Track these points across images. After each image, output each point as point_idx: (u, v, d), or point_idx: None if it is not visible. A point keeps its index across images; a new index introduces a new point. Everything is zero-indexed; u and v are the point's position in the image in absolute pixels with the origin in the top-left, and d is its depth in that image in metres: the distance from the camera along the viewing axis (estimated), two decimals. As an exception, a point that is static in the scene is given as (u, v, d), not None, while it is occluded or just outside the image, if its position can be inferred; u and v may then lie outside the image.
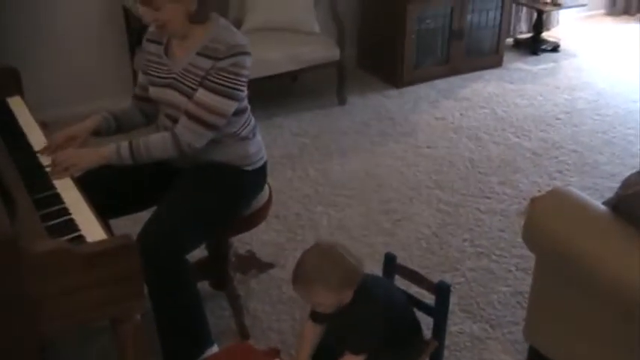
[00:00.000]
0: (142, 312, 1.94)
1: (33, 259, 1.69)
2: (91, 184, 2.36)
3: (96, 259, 1.78)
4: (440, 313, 2.35)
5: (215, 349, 2.56)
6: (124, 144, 2.33)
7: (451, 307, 2.77)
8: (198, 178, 2.44)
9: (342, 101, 4.71)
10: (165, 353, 2.50)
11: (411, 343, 2.30)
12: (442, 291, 2.31)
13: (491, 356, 2.64)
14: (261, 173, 2.58)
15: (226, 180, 2.46)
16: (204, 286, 2.94)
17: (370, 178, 3.83)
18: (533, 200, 3.41)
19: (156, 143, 2.33)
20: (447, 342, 2.61)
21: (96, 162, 2.33)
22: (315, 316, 2.25)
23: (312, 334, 2.26)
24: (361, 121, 4.49)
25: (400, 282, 2.48)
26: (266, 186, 2.70)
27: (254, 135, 2.54)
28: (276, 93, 4.79)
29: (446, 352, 2.60)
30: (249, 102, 2.53)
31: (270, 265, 3.16)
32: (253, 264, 3.13)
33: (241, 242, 3.25)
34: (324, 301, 2.09)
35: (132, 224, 2.53)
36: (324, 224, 3.45)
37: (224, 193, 2.45)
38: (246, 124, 2.49)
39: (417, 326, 2.33)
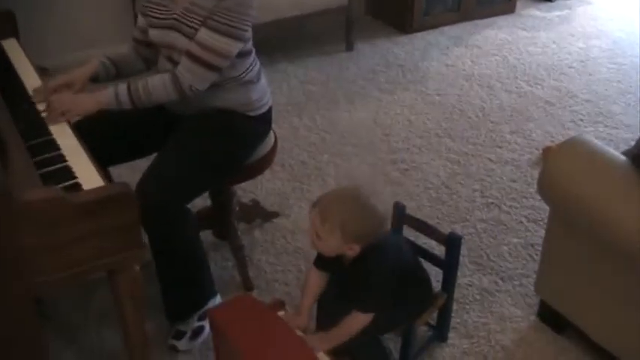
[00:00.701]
0: (140, 263, 1.87)
1: (24, 207, 1.61)
2: (88, 130, 2.28)
3: (91, 208, 1.69)
4: (450, 265, 2.28)
5: (218, 300, 2.50)
6: (122, 87, 2.23)
7: (460, 259, 2.71)
8: (200, 124, 2.35)
9: (349, 48, 4.59)
10: (167, 304, 2.44)
11: (420, 296, 2.23)
12: (453, 243, 2.23)
13: (501, 309, 2.57)
14: (265, 119, 2.49)
15: (229, 126, 2.36)
16: (207, 236, 2.88)
17: (378, 126, 3.73)
18: (546, 150, 3.34)
19: (156, 86, 2.23)
20: (456, 295, 2.55)
21: (93, 108, 2.24)
22: (319, 263, 2.18)
23: (316, 282, 2.19)
24: (369, 68, 4.37)
25: (409, 232, 2.40)
26: (271, 132, 2.61)
27: (258, 79, 2.44)
28: (282, 39, 4.66)
29: (455, 304, 2.54)
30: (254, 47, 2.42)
31: (275, 215, 3.08)
32: (258, 213, 3.05)
33: (245, 191, 3.18)
34: (329, 241, 1.99)
35: (131, 173, 2.45)
36: (331, 173, 3.36)
37: (226, 140, 2.35)
38: (250, 68, 2.38)
39: (425, 280, 2.26)
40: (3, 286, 1.69)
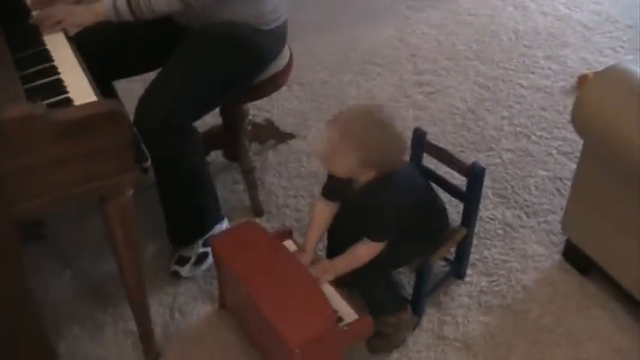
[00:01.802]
0: (133, 188, 1.73)
1: (3, 126, 1.45)
2: (88, 43, 2.12)
3: (75, 127, 1.52)
4: (471, 198, 2.12)
5: (225, 225, 2.38)
6: None
7: (484, 190, 2.55)
8: (208, 37, 2.16)
9: (377, -39, 4.31)
10: (170, 229, 2.33)
11: (434, 229, 2.09)
12: (475, 174, 2.06)
13: (524, 246, 2.42)
14: (278, 33, 2.29)
15: (239, 39, 2.17)
16: (217, 156, 2.74)
17: (404, 46, 3.52)
18: (582, 78, 3.11)
19: None
20: (477, 229, 2.42)
21: (89, 18, 2.08)
22: (326, 192, 2.03)
23: (323, 212, 2.06)
24: (397, -17, 4.11)
25: (429, 161, 2.24)
26: (286, 48, 2.42)
27: (272, -10, 2.23)
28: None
29: (475, 239, 2.40)
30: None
31: (291, 136, 2.92)
32: (272, 134, 2.90)
33: (260, 110, 3.02)
34: (343, 161, 1.84)
35: (141, 87, 2.28)
36: (351, 94, 3.18)
37: (236, 54, 2.17)
38: None
39: (441, 212, 2.11)
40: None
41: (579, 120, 2.01)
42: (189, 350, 2.12)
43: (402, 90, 3.20)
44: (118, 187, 1.67)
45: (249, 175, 2.59)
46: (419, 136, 2.20)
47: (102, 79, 2.17)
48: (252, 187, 2.60)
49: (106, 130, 1.56)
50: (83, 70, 1.85)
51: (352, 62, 3.40)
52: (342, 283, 2.04)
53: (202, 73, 2.13)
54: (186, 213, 2.29)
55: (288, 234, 2.15)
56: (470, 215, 2.15)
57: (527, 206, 2.57)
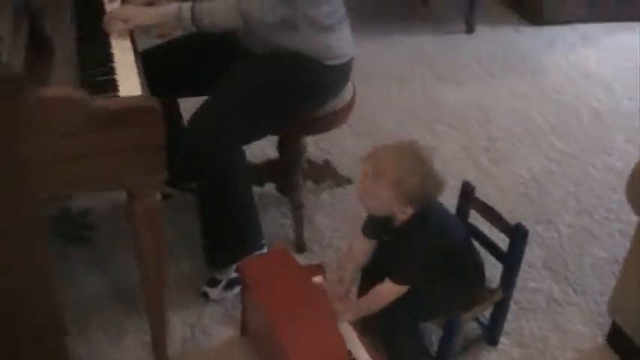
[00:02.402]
0: (159, 191, 1.73)
1: (36, 103, 1.48)
2: (153, 58, 2.17)
3: (109, 116, 1.55)
4: (512, 259, 2.04)
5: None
6: (187, 5, 2.09)
7: (535, 261, 2.48)
8: (268, 63, 2.19)
9: (469, 30, 4.31)
10: (206, 248, 2.34)
11: (468, 284, 2.01)
12: (518, 235, 1.99)
13: (567, 324, 2.29)
14: (342, 70, 2.30)
15: (300, 69, 2.19)
16: (271, 189, 2.74)
17: (480, 111, 3.47)
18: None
19: (219, 8, 2.08)
20: (520, 298, 2.33)
21: (152, 19, 2.13)
22: (366, 229, 1.99)
23: (361, 248, 2.03)
24: (487, 53, 4.08)
25: (475, 219, 2.17)
26: (349, 86, 2.43)
27: (341, 27, 2.25)
28: (401, 13, 4.43)
29: (515, 308, 2.30)
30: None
31: (348, 181, 2.90)
32: (329, 174, 2.89)
33: (320, 150, 3.01)
34: (380, 197, 1.82)
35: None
36: (416, 149, 3.14)
37: (294, 84, 2.19)
38: (332, 13, 2.19)
39: (477, 268, 2.03)
40: (8, 195, 1.58)
41: (633, 194, 1.91)
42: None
43: (468, 152, 3.14)
44: (146, 188, 1.68)
45: (297, 210, 2.58)
46: (467, 190, 2.14)
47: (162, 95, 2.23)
48: (298, 222, 2.58)
49: (140, 125, 1.59)
50: (139, 75, 1.88)
51: (423, 118, 3.37)
52: (367, 330, 1.99)
53: (258, 99, 2.15)
54: (225, 236, 2.28)
55: (319, 269, 2.11)
56: (509, 278, 2.07)
57: (578, 284, 2.45)
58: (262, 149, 2.76)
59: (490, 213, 2.08)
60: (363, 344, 1.88)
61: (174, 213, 2.57)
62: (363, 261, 2.04)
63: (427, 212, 1.86)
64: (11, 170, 1.53)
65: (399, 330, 1.98)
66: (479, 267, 2.03)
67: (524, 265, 2.46)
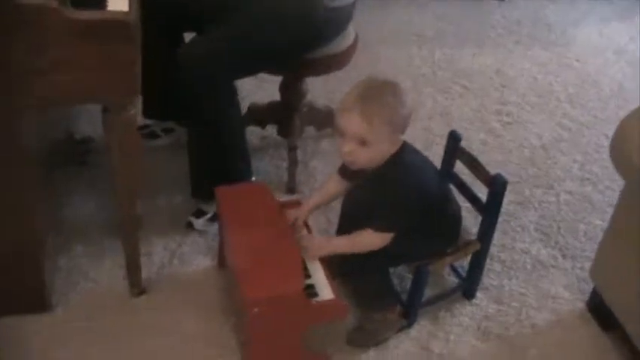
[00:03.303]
0: (135, 110, 1.74)
1: (17, 12, 1.50)
2: None
3: (85, 27, 1.56)
4: (490, 211, 2.01)
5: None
6: None
7: (527, 224, 2.46)
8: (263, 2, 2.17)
9: (502, -5, 4.22)
10: (193, 180, 2.36)
11: (443, 232, 1.98)
12: (496, 185, 1.95)
13: (549, 287, 2.26)
14: (341, 13, 2.27)
15: (297, 8, 2.16)
16: (273, 132, 2.73)
17: (498, 75, 3.41)
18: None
19: None
20: (505, 257, 2.32)
21: None
22: (343, 171, 1.98)
23: (333, 185, 2.02)
24: (515, 19, 4.00)
25: (460, 169, 2.15)
26: (350, 30, 2.40)
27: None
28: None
29: (499, 266, 2.29)
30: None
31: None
32: (331, 122, 2.85)
33: (329, 100, 2.98)
34: (378, 144, 1.76)
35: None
36: (427, 105, 3.11)
37: (291, 22, 2.17)
38: None
39: (454, 216, 2.01)
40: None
41: (616, 154, 1.86)
42: (172, 295, 2.11)
43: (480, 115, 3.09)
44: (120, 101, 1.68)
45: (291, 152, 2.57)
46: (454, 138, 2.11)
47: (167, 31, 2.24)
48: (292, 164, 2.57)
49: (114, 39, 1.59)
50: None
51: (439, 79, 3.33)
52: (337, 271, 1.99)
53: (254, 32, 2.14)
54: (211, 166, 2.29)
55: (296, 205, 2.10)
56: (487, 229, 2.04)
57: (567, 249, 2.40)
58: (270, 93, 2.74)
59: (473, 163, 2.05)
60: (329, 281, 1.86)
61: (175, 148, 2.59)
62: (331, 197, 2.04)
63: (403, 154, 1.84)
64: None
65: (369, 273, 1.96)
66: (455, 217, 2.00)
67: (514, 226, 2.46)
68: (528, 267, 2.32)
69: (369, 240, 1.86)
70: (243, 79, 2.35)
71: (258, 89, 2.98)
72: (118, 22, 1.60)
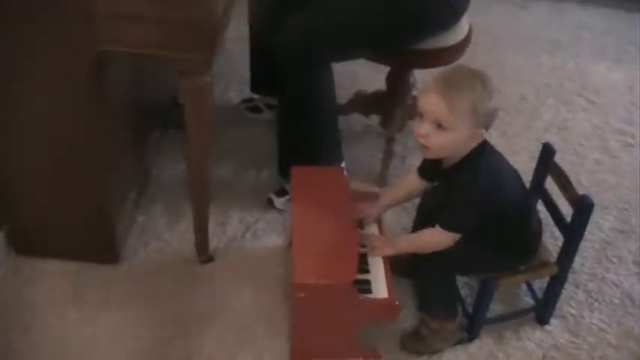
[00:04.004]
0: (210, 78, 1.74)
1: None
2: None
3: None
4: (572, 233, 1.87)
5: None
6: None
7: (626, 254, 2.29)
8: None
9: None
10: (280, 158, 2.34)
11: (520, 249, 1.86)
12: (582, 207, 1.81)
13: (634, 326, 2.08)
14: (452, 5, 2.18)
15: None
16: (375, 122, 2.68)
17: (630, 93, 3.16)
18: None
19: None
20: (592, 287, 2.19)
21: None
22: (422, 170, 1.90)
23: (410, 183, 1.95)
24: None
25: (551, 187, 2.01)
26: (463, 24, 2.30)
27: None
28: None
29: (583, 296, 2.16)
30: None
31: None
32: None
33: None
34: (457, 130, 1.66)
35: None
36: (544, 117, 2.94)
37: (396, 9, 2.09)
38: None
39: (534, 233, 1.88)
40: (72, 47, 1.65)
41: None
42: (238, 267, 2.12)
43: (600, 132, 2.89)
44: (195, 65, 1.69)
45: (388, 143, 2.51)
46: (547, 151, 1.97)
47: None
48: (387, 156, 2.51)
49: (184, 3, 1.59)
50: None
51: (565, 90, 3.13)
52: (402, 272, 1.93)
53: (354, 16, 2.09)
54: (299, 147, 2.26)
55: (374, 198, 2.04)
56: (566, 253, 1.90)
57: (668, 290, 2.21)
58: (381, 83, 2.68)
59: (562, 180, 1.91)
60: (387, 279, 1.79)
61: (275, 123, 2.58)
62: (408, 195, 1.98)
63: (483, 153, 1.73)
64: (80, 20, 1.61)
65: (433, 278, 1.88)
66: (534, 233, 1.88)
67: (611, 256, 2.30)
68: (616, 301, 2.15)
69: (433, 239, 1.79)
70: (346, 62, 2.31)
71: (375, 78, 2.91)
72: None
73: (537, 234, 1.89)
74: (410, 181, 1.95)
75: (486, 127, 1.70)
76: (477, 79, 1.66)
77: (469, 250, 1.79)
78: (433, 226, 1.79)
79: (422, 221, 1.97)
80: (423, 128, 1.68)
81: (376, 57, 2.32)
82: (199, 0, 1.60)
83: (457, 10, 2.21)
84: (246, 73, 2.68)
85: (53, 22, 1.62)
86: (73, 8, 1.59)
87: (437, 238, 1.78)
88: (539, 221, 1.91)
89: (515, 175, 1.84)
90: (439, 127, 1.67)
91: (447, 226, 1.76)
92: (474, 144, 1.70)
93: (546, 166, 1.97)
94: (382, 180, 2.49)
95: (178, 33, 1.63)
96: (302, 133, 2.23)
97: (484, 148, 1.73)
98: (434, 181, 1.88)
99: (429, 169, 1.87)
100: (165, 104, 2.58)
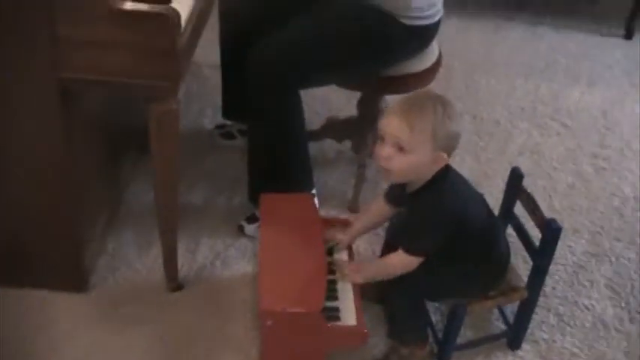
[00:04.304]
0: (176, 106, 1.74)
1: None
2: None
3: (127, 16, 1.58)
4: (540, 258, 1.86)
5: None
6: None
7: (599, 278, 2.30)
8: (341, 11, 2.13)
9: (628, 36, 3.95)
10: (250, 184, 2.33)
11: (489, 273, 1.86)
12: (550, 231, 1.81)
13: (606, 350, 2.08)
14: (420, 33, 2.18)
15: (371, 22, 2.10)
16: (347, 146, 2.68)
17: (603, 118, 3.18)
18: None
19: None
20: (564, 311, 2.17)
21: None
22: (388, 195, 1.90)
23: (377, 209, 1.94)
24: (636, 61, 3.72)
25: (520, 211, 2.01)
26: (432, 50, 2.31)
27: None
28: (562, 8, 4.13)
29: (555, 320, 2.16)
30: None
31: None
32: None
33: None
34: (416, 153, 1.66)
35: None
36: (517, 141, 2.96)
37: (362, 34, 2.11)
38: None
39: (502, 258, 1.88)
40: (33, 74, 1.65)
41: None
42: (206, 295, 2.10)
43: (573, 156, 2.90)
44: (160, 91, 1.68)
45: (360, 169, 2.51)
46: (516, 176, 1.98)
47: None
48: (359, 181, 2.51)
49: (151, 29, 1.59)
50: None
51: (537, 114, 3.15)
52: (373, 297, 1.92)
53: (325, 42, 2.11)
54: (269, 174, 2.25)
55: (345, 224, 2.04)
56: (536, 276, 1.89)
57: (638, 312, 2.20)
58: (353, 108, 2.67)
59: (530, 204, 1.91)
60: (356, 306, 1.78)
61: (241, 151, 2.58)
62: (376, 221, 1.97)
63: (446, 178, 1.73)
64: (39, 46, 1.60)
65: (402, 304, 1.87)
66: (502, 258, 1.87)
67: (582, 279, 2.31)
68: (588, 325, 2.15)
69: (398, 261, 1.79)
70: (318, 87, 2.32)
71: (347, 104, 2.91)
72: (152, 14, 1.60)
73: (506, 258, 1.89)
74: (378, 207, 1.95)
75: (448, 151, 1.70)
76: (437, 102, 1.66)
77: (435, 275, 1.78)
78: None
79: (388, 246, 1.96)
80: (384, 151, 1.68)
81: (348, 83, 2.33)
82: (164, 27, 1.59)
83: (425, 37, 2.22)
84: (220, 99, 2.68)
85: (16, 46, 1.62)
86: (36, 31, 1.59)
87: (401, 262, 1.78)
88: (507, 246, 1.90)
89: (480, 199, 1.84)
90: (400, 150, 1.67)
91: (408, 250, 1.76)
92: (436, 168, 1.70)
93: (515, 191, 1.97)
94: (354, 205, 2.48)
95: (142, 60, 1.62)
96: (272, 158, 2.22)
97: (447, 172, 1.73)
98: (400, 206, 1.88)
99: (395, 194, 1.87)
100: (140, 128, 2.56)
